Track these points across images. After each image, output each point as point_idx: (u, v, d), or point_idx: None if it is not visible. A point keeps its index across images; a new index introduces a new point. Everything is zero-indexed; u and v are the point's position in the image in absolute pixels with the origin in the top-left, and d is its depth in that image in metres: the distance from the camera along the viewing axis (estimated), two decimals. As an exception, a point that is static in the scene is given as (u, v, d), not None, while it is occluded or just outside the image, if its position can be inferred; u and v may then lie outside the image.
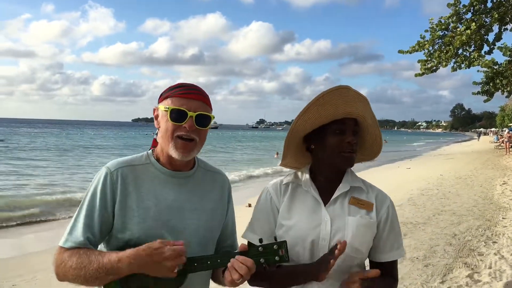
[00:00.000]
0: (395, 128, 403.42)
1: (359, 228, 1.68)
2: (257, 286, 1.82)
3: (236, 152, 43.43)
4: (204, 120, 1.64)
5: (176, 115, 1.60)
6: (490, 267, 5.51)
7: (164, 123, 1.64)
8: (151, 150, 1.77)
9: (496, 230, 7.57)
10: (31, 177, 19.56)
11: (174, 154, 1.63)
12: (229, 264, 1.51)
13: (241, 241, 1.68)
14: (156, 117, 1.70)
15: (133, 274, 1.52)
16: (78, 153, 37.04)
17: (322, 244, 1.66)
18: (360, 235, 1.68)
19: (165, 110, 1.63)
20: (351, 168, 1.82)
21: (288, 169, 1.94)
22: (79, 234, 1.57)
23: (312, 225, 1.69)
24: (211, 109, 1.71)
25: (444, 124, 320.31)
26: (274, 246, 1.52)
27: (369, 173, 21.41)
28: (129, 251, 1.49)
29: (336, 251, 1.53)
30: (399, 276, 5.18)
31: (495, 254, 6.11)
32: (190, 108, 1.61)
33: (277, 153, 32.49)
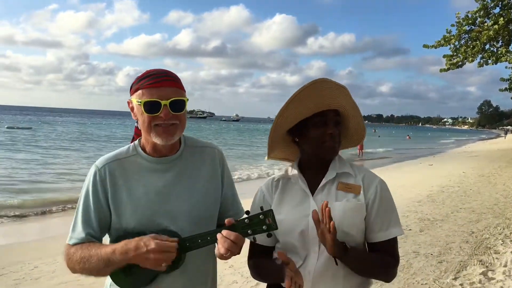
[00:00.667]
0: (420, 124, 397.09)
1: (346, 212, 1.72)
2: (260, 281, 1.91)
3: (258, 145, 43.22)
4: (178, 105, 1.65)
5: (150, 107, 1.62)
6: (505, 265, 5.44)
7: (140, 116, 1.67)
8: (137, 140, 1.81)
9: (515, 229, 7.45)
10: (56, 165, 20.09)
11: (157, 140, 1.67)
12: (218, 240, 1.57)
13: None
14: (132, 109, 1.72)
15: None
16: (102, 143, 37.71)
17: (312, 233, 1.70)
18: (347, 219, 1.71)
19: (138, 104, 1.64)
20: (339, 155, 1.86)
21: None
22: (80, 231, 1.69)
23: (301, 215, 1.75)
24: (184, 91, 1.71)
25: (471, 121, 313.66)
26: (260, 216, 1.56)
27: (390, 169, 21.26)
28: (121, 243, 1.59)
29: (325, 222, 1.58)
30: (411, 271, 5.24)
31: (511, 252, 6.03)
32: (162, 97, 1.61)
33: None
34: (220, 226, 1.68)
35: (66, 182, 15.26)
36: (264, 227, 1.56)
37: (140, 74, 1.71)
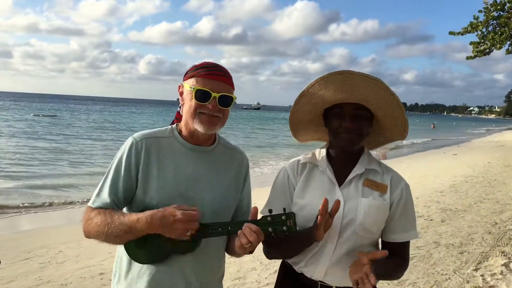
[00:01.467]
0: (445, 113, 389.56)
1: (371, 209, 1.73)
2: (273, 256, 1.93)
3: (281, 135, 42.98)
4: (226, 101, 1.74)
5: (201, 95, 1.70)
6: (528, 258, 5.35)
7: (188, 101, 1.74)
8: (175, 124, 1.87)
9: (541, 221, 7.29)
10: (84, 154, 20.50)
11: (199, 128, 1.73)
12: (239, 231, 1.60)
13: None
14: (181, 93, 1.81)
15: (149, 237, 1.64)
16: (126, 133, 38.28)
17: (334, 223, 1.70)
18: (371, 216, 1.73)
19: (191, 89, 1.72)
20: (370, 151, 1.88)
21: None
22: (106, 196, 1.73)
23: None
24: (234, 89, 1.80)
25: (498, 110, 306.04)
26: (283, 217, 1.59)
27: (413, 159, 20.99)
28: (148, 212, 1.63)
29: (333, 207, 1.61)
30: (431, 262, 5.21)
31: (536, 244, 5.92)
32: (214, 89, 1.70)
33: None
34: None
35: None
36: (284, 228, 1.59)
37: (197, 63, 1.80)
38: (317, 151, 1.91)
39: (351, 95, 1.70)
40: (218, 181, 1.83)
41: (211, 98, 1.70)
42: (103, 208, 1.72)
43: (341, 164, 1.83)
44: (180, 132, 1.83)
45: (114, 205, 1.73)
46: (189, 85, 1.73)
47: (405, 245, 1.82)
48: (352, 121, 1.72)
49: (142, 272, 1.73)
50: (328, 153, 1.87)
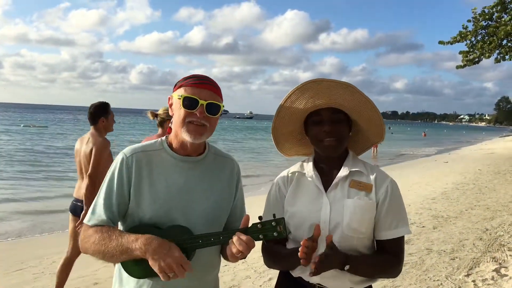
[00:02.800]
0: (436, 121, 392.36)
1: (356, 209, 1.78)
2: (273, 267, 1.99)
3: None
4: (214, 109, 1.78)
5: (188, 103, 1.74)
6: (519, 263, 5.43)
7: (177, 110, 1.78)
8: (165, 137, 1.91)
9: (531, 227, 7.39)
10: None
11: (186, 137, 1.76)
12: (230, 240, 1.65)
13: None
14: (171, 105, 1.84)
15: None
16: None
17: (323, 227, 1.76)
18: (357, 216, 1.78)
19: (179, 98, 1.76)
20: (353, 153, 1.94)
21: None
22: (101, 213, 1.76)
23: (313, 210, 1.82)
24: (222, 99, 1.84)
25: (488, 118, 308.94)
26: (272, 223, 1.65)
27: (405, 167, 21.13)
28: (145, 236, 1.64)
29: (314, 233, 1.65)
30: (424, 268, 5.27)
31: (526, 250, 6.00)
32: (201, 97, 1.75)
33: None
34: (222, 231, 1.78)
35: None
36: (275, 233, 1.64)
37: (186, 75, 1.84)
38: (305, 160, 1.99)
39: (328, 100, 1.79)
40: (210, 190, 1.85)
41: (199, 105, 1.74)
42: (99, 225, 1.74)
43: (327, 169, 1.89)
44: (170, 145, 1.86)
45: (110, 221, 1.75)
46: (178, 94, 1.78)
47: (396, 242, 1.83)
48: (331, 125, 1.80)
49: (140, 284, 1.77)
50: (314, 161, 1.94)
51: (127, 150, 1.83)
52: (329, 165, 1.89)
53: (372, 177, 1.85)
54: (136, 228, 1.74)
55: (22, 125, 52.65)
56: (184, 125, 1.76)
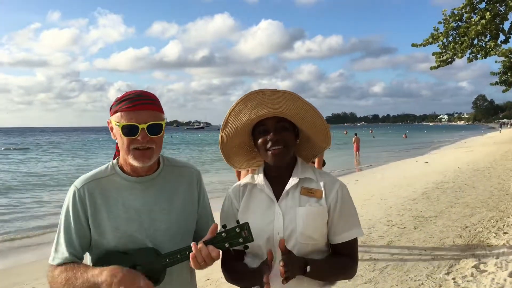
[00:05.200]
0: (416, 122, 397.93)
1: (309, 217, 1.78)
2: (234, 285, 1.95)
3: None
4: (156, 129, 1.71)
5: (128, 130, 1.67)
6: (497, 257, 5.49)
7: (119, 138, 1.72)
8: (116, 160, 1.85)
9: (508, 221, 7.49)
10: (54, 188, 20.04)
11: (135, 163, 1.72)
12: (191, 254, 1.62)
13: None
14: (111, 129, 1.77)
15: None
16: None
17: (277, 238, 1.75)
18: (310, 223, 1.77)
19: (117, 125, 1.69)
20: (301, 160, 1.94)
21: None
22: (63, 250, 1.71)
23: (266, 221, 1.80)
24: (163, 113, 1.77)
25: (467, 116, 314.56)
26: (237, 229, 1.62)
27: (386, 168, 21.30)
28: (111, 267, 1.61)
29: (281, 247, 1.64)
30: (405, 269, 5.29)
31: (504, 244, 6.08)
32: (140, 121, 1.67)
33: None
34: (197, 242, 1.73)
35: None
36: (240, 239, 1.62)
37: (119, 96, 1.75)
38: (256, 172, 1.96)
39: (271, 109, 1.78)
40: (170, 206, 1.81)
41: (139, 130, 1.67)
42: (64, 263, 1.70)
43: (278, 178, 1.88)
44: (121, 167, 1.80)
45: (74, 257, 1.71)
46: (115, 121, 1.70)
47: (350, 244, 1.84)
48: (275, 134, 1.79)
49: None
50: (264, 171, 1.92)
51: (78, 182, 1.78)
52: (279, 174, 1.88)
53: (321, 183, 1.85)
54: (104, 257, 1.71)
55: (3, 148, 51.78)
56: (129, 153, 1.71)
